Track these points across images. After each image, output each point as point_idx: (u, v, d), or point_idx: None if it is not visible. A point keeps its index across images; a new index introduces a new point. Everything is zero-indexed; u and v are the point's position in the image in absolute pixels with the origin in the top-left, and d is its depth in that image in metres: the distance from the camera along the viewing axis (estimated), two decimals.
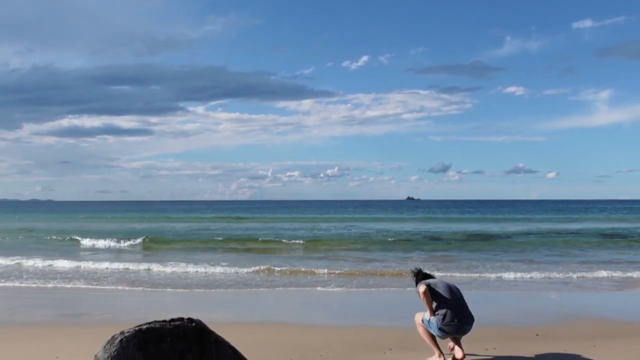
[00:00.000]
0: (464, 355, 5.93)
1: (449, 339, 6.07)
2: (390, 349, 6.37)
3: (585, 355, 6.12)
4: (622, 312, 9.27)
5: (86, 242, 23.78)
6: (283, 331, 7.46)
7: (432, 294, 5.92)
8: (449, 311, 5.83)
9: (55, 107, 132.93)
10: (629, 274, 13.40)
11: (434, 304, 5.89)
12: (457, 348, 5.97)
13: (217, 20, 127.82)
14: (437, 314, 5.85)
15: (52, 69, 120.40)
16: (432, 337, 6.02)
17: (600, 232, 28.12)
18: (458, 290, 6.12)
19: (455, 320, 5.83)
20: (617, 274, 13.42)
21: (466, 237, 24.91)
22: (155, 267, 14.66)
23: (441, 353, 5.92)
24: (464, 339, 6.51)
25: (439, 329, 5.85)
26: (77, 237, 25.21)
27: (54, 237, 26.29)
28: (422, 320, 6.05)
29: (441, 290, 5.97)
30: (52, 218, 48.38)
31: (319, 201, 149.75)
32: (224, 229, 33.00)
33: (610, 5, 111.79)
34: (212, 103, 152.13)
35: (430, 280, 6.14)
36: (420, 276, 6.31)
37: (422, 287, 5.92)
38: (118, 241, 23.47)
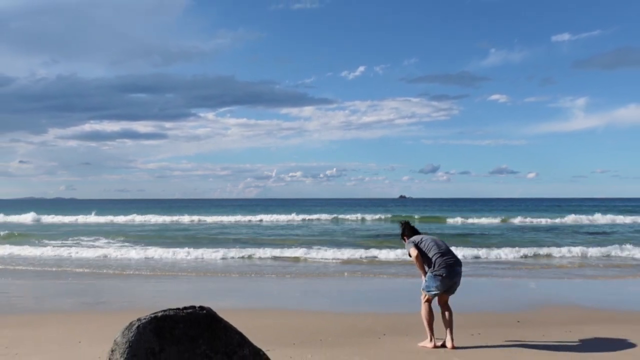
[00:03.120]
0: (454, 347, 5.79)
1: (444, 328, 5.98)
2: (385, 334, 6.36)
3: (561, 339, 6.12)
4: (593, 300, 9.26)
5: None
6: (285, 317, 7.46)
7: (421, 254, 5.92)
8: (438, 258, 5.85)
9: (78, 113, 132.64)
10: (598, 264, 13.42)
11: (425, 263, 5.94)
12: (448, 338, 5.88)
13: (227, 34, 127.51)
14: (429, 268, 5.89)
15: (75, 79, 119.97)
16: (430, 322, 5.91)
17: (575, 227, 28.14)
18: (443, 242, 6.14)
19: (447, 260, 5.84)
20: (589, 264, 13.45)
21: (454, 233, 25.05)
22: None
23: (433, 337, 5.86)
24: (454, 325, 6.49)
25: (434, 276, 5.81)
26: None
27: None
28: (423, 288, 5.98)
29: (429, 244, 5.98)
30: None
31: (321, 199, 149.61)
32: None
33: (587, 21, 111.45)
34: (222, 109, 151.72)
35: (416, 238, 6.10)
36: (407, 229, 6.32)
37: (413, 252, 5.91)
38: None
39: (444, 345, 5.88)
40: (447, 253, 5.96)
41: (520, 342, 6.02)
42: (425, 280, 5.95)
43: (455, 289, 5.99)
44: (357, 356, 5.34)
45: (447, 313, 5.98)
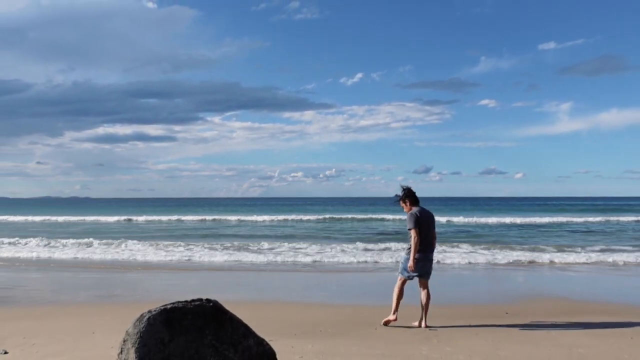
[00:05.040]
0: (427, 326, 6.17)
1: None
2: (381, 325, 6.35)
3: (548, 330, 6.11)
4: (578, 293, 9.25)
5: None
6: (288, 309, 7.45)
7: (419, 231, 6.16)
8: (421, 243, 6.16)
9: (92, 117, 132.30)
10: (582, 259, 13.41)
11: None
12: (422, 318, 6.24)
13: (233, 43, 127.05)
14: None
15: (90, 85, 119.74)
16: (399, 300, 6.28)
17: (559, 224, 28.12)
18: (431, 223, 6.34)
19: (425, 247, 6.21)
20: (573, 258, 13.44)
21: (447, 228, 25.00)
22: None
23: (396, 312, 6.27)
24: (444, 315, 6.51)
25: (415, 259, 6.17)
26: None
27: None
28: (400, 272, 6.35)
29: (424, 227, 6.21)
30: None
31: (320, 198, 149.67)
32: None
33: (571, 30, 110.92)
34: (228, 114, 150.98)
35: (417, 212, 6.25)
36: (410, 196, 6.39)
37: (415, 237, 6.12)
38: None
39: (423, 325, 6.22)
40: (428, 238, 6.27)
41: (508, 332, 6.00)
42: (403, 264, 6.31)
43: (429, 273, 6.33)
44: (355, 346, 5.33)
45: (425, 297, 6.28)
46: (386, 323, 6.27)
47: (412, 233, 6.17)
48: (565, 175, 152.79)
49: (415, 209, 6.32)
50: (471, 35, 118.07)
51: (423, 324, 6.18)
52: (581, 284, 10.50)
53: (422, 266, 6.24)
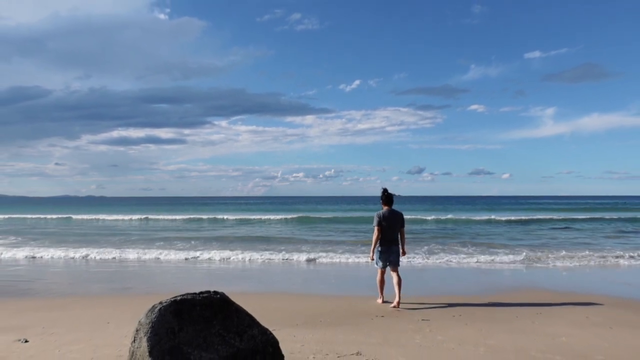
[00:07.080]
0: (398, 305, 6.74)
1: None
2: (377, 316, 6.35)
3: (533, 320, 6.11)
4: (559, 285, 9.25)
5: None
6: (290, 300, 7.45)
7: (381, 229, 6.91)
8: (384, 237, 6.97)
9: (107, 121, 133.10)
10: (564, 253, 13.40)
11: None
12: (396, 298, 6.80)
13: (239, 51, 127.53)
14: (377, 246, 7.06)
15: (105, 91, 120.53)
16: (381, 286, 7.10)
17: (542, 220, 28.10)
18: (396, 221, 6.97)
19: (387, 241, 6.98)
20: (555, 253, 13.43)
21: (437, 225, 24.96)
22: None
23: (382, 297, 7.06)
24: (435, 307, 6.50)
25: (378, 252, 7.03)
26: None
27: None
28: (375, 264, 7.13)
29: (386, 224, 6.93)
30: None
31: (320, 197, 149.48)
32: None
33: (555, 40, 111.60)
34: (234, 118, 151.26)
35: (382, 214, 6.96)
36: (383, 196, 7.08)
37: (375, 234, 6.97)
38: None
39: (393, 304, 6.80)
40: (390, 235, 6.97)
41: (495, 322, 6.00)
42: (375, 258, 7.12)
43: (396, 262, 7.07)
44: (353, 335, 5.33)
45: (395, 280, 6.97)
46: (379, 303, 6.93)
47: (375, 232, 7.00)
48: (549, 175, 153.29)
49: (383, 210, 7.03)
50: (461, 45, 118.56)
51: (395, 303, 6.74)
52: (563, 277, 10.48)
53: (387, 257, 7.00)
